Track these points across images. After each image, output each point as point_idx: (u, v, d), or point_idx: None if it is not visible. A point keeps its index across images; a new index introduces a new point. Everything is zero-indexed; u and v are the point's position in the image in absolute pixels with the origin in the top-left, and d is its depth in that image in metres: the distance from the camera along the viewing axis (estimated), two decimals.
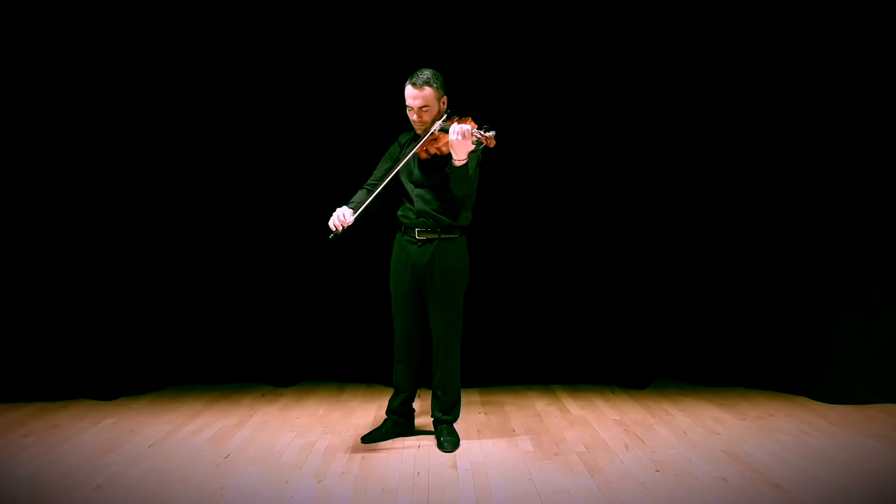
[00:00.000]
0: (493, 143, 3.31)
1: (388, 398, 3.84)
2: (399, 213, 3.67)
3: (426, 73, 3.49)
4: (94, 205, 4.63)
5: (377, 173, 3.69)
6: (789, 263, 4.55)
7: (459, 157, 3.32)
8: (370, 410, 4.30)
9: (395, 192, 3.65)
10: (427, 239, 3.57)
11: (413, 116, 3.53)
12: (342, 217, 3.45)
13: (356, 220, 3.48)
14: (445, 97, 3.56)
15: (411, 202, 3.60)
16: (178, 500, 3.00)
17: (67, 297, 4.60)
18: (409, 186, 3.61)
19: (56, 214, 4.58)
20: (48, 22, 4.41)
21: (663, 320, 4.83)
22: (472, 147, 3.33)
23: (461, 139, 3.27)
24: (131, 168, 4.72)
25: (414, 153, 3.50)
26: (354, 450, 3.60)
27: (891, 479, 3.16)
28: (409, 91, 3.49)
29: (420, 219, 3.57)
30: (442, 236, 3.56)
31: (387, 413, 3.82)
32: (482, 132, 3.29)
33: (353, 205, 3.53)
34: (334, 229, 3.44)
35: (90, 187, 4.62)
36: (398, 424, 3.79)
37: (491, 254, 4.82)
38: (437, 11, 4.60)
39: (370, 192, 3.51)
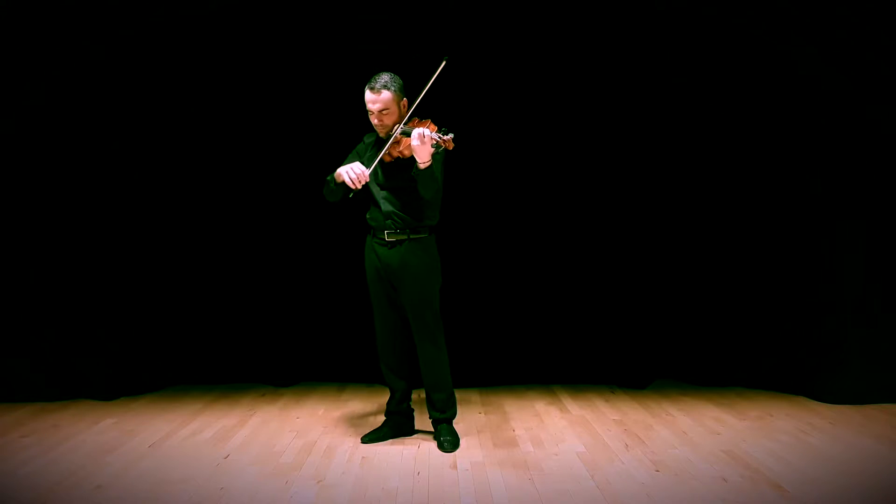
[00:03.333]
0: (451, 146, 3.33)
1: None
2: (367, 216, 3.68)
3: (384, 77, 3.48)
4: (93, 206, 4.63)
5: None
6: (789, 263, 4.54)
7: (422, 159, 3.33)
8: (370, 410, 4.30)
9: (362, 195, 3.65)
10: (397, 240, 3.58)
11: (374, 120, 3.53)
12: (358, 170, 3.40)
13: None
14: (405, 99, 3.54)
15: (378, 205, 3.61)
16: (178, 500, 3.01)
17: (67, 298, 4.61)
18: (375, 189, 3.62)
19: (56, 215, 4.58)
20: (43, 22, 4.41)
21: (663, 320, 4.83)
22: (433, 150, 3.34)
23: (421, 143, 3.29)
24: (131, 168, 4.71)
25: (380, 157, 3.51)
26: (354, 450, 3.60)
27: (891, 479, 3.16)
28: (368, 95, 3.49)
29: (388, 221, 3.58)
30: (411, 236, 3.58)
31: (385, 414, 3.83)
32: (440, 135, 3.30)
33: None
34: (353, 186, 3.41)
35: (91, 188, 4.62)
36: (398, 425, 3.79)
37: (492, 254, 4.83)
38: (433, 8, 4.60)
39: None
